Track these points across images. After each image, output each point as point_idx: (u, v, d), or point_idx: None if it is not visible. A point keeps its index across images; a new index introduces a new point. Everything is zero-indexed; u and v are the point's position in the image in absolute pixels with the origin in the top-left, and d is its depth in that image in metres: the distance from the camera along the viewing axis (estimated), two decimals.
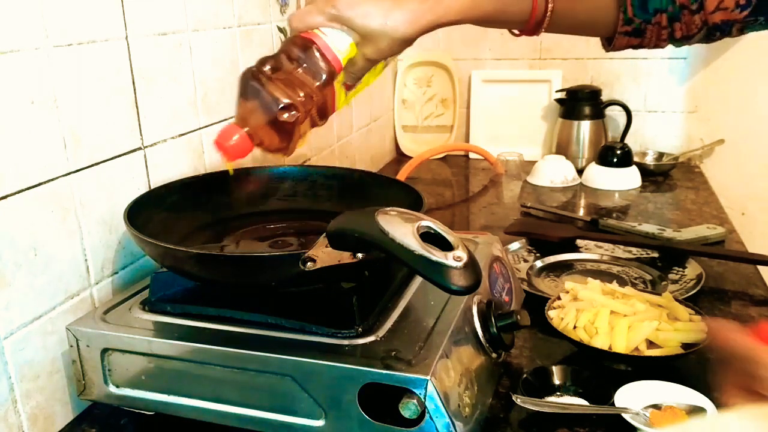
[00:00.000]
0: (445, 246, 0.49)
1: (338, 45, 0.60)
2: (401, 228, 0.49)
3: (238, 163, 0.64)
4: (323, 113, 0.62)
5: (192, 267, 0.64)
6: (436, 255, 0.47)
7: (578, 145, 1.57)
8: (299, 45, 0.60)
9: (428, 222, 0.50)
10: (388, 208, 0.52)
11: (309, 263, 0.55)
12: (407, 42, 0.62)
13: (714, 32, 0.68)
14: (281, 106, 0.58)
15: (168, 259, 0.65)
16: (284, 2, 1.11)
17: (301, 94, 0.58)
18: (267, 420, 0.60)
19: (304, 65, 0.60)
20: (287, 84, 0.58)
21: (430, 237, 0.50)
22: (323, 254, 0.55)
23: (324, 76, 0.60)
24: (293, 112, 0.58)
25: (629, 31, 0.71)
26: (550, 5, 0.68)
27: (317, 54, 0.60)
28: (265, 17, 1.05)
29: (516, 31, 0.72)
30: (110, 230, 0.74)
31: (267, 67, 0.59)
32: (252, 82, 0.59)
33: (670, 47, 0.74)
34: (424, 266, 0.48)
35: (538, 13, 0.68)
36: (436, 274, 0.47)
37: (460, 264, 0.47)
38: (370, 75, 0.66)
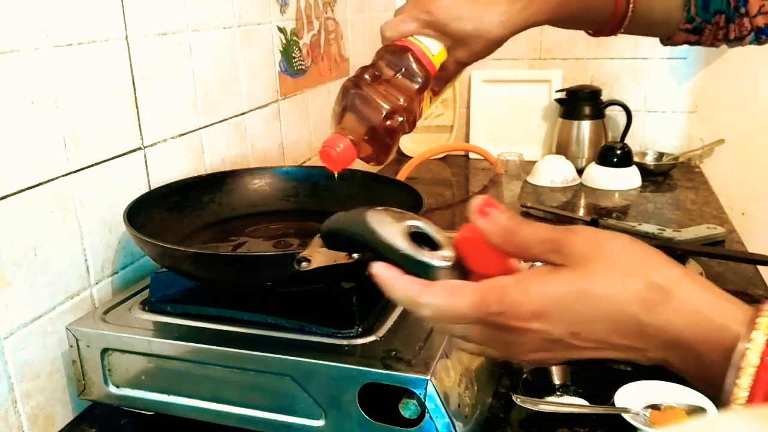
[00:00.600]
0: (436, 246, 0.49)
1: (432, 50, 0.62)
2: (391, 228, 0.49)
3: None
4: (413, 119, 0.63)
5: (190, 267, 0.64)
6: (424, 255, 0.47)
7: (578, 145, 1.57)
8: (395, 53, 0.62)
9: (417, 221, 0.50)
10: (380, 208, 0.52)
11: (304, 263, 0.55)
12: (499, 43, 0.64)
13: (760, 35, 0.70)
14: (385, 113, 0.59)
15: (167, 259, 0.65)
16: (284, 2, 1.11)
17: (402, 100, 0.60)
18: (267, 420, 0.60)
19: (402, 72, 0.61)
20: (388, 91, 0.60)
21: (419, 237, 0.50)
22: (318, 255, 0.55)
23: (421, 81, 0.61)
24: (397, 118, 0.59)
25: (689, 29, 0.73)
26: (631, 5, 0.70)
27: (413, 60, 0.61)
28: (265, 17, 1.05)
29: (592, 31, 0.74)
30: (110, 230, 0.74)
31: (367, 76, 0.60)
32: (354, 90, 0.60)
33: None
34: (411, 266, 0.48)
35: (620, 12, 0.70)
36: (423, 273, 0.47)
37: (447, 264, 0.47)
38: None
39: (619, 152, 1.44)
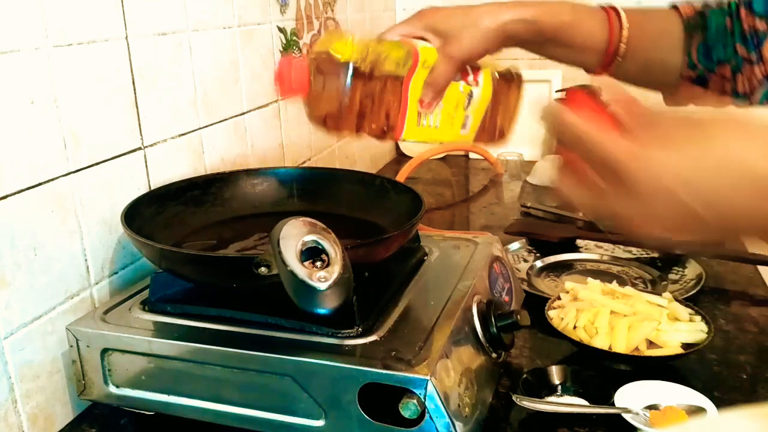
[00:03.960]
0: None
1: (420, 44, 0.62)
2: (291, 241, 0.49)
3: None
4: (387, 114, 0.61)
5: (184, 269, 0.65)
6: (304, 273, 0.48)
7: None
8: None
9: (315, 236, 0.50)
10: (300, 218, 0.52)
11: (262, 268, 0.55)
12: (487, 36, 0.65)
13: None
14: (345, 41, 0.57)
15: (163, 261, 0.65)
16: (284, 2, 1.11)
17: (370, 54, 0.58)
18: (267, 420, 0.60)
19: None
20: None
21: (319, 251, 0.50)
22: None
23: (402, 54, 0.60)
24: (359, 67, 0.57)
25: (693, 77, 0.71)
26: (624, 30, 0.69)
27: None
28: (265, 17, 1.05)
29: (586, 65, 0.73)
30: (110, 230, 0.74)
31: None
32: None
33: None
34: (295, 283, 0.48)
35: (614, 35, 0.69)
36: (305, 291, 0.47)
37: (322, 285, 0.47)
38: (445, 124, 0.65)
39: None
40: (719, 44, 0.68)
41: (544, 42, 0.69)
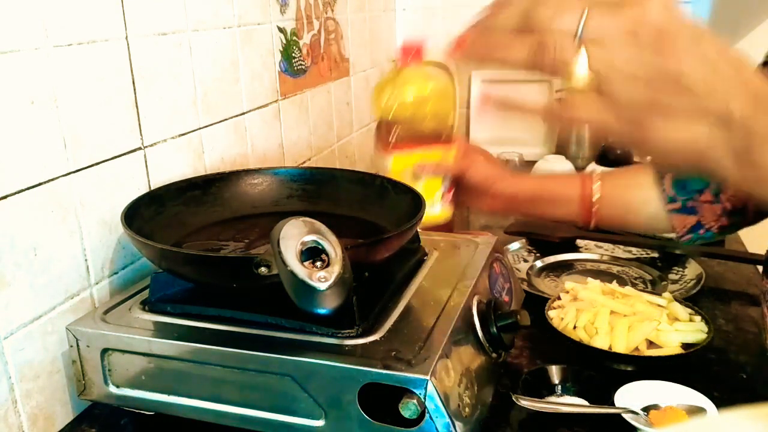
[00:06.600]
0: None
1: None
2: (291, 241, 0.50)
3: None
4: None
5: (184, 269, 0.65)
6: (304, 273, 0.48)
7: (578, 145, 1.57)
8: None
9: (315, 236, 0.50)
10: (300, 218, 0.52)
11: (262, 268, 0.55)
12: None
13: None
14: None
15: (163, 261, 0.65)
16: (284, 2, 1.11)
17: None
18: (267, 420, 0.60)
19: None
20: None
21: (319, 251, 0.51)
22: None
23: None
24: None
25: (679, 208, 0.72)
26: (596, 194, 0.76)
27: None
28: (265, 17, 1.05)
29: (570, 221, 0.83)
30: (110, 230, 0.74)
31: None
32: None
33: None
34: (295, 283, 0.48)
35: (586, 189, 0.77)
36: (305, 291, 0.47)
37: (322, 285, 0.48)
38: None
39: (619, 152, 1.44)
40: (693, 178, 0.69)
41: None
